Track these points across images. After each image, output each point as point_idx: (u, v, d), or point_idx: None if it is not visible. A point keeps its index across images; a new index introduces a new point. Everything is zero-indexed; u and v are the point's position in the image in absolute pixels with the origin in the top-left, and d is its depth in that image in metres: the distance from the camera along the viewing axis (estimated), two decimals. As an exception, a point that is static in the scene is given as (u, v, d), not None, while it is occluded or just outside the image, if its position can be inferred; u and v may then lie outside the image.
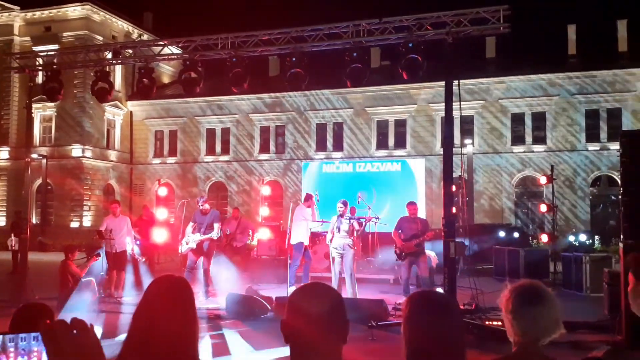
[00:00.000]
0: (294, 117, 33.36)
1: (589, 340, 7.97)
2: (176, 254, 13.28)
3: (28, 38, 34.04)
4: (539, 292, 2.16)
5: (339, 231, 10.67)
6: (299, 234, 12.06)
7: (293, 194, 30.92)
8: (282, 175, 33.11)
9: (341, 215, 10.74)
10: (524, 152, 29.63)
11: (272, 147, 33.97)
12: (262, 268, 14.81)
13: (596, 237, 24.42)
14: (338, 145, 32.63)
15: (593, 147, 28.66)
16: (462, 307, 9.34)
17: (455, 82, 9.40)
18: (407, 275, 10.67)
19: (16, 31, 34.59)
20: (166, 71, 37.78)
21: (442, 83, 9.70)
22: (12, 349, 1.22)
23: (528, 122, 29.80)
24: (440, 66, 9.68)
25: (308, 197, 12.56)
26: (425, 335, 1.83)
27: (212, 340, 8.05)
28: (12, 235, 17.00)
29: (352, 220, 10.81)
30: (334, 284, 10.49)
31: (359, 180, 17.12)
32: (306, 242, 12.27)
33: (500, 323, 8.66)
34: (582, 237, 21.84)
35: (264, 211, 19.37)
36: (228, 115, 34.49)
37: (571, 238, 21.10)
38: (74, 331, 1.23)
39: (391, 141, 31.74)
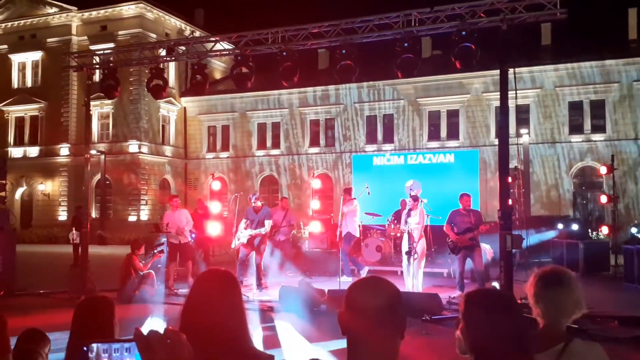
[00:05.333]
0: (343, 109, 33.28)
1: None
2: (230, 247, 13.47)
3: (85, 37, 35.14)
4: (558, 276, 2.28)
5: (406, 224, 10.52)
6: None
7: (343, 187, 30.86)
8: (332, 168, 33.11)
9: (411, 209, 10.56)
10: (583, 141, 28.66)
11: (322, 141, 34.01)
12: (313, 261, 14.81)
13: (660, 229, 23.40)
14: (388, 138, 32.36)
15: (656, 135, 27.48)
16: (519, 301, 9.09)
17: (510, 70, 9.15)
18: (461, 269, 10.49)
19: (74, 31, 35.75)
20: (218, 67, 38.31)
21: (497, 72, 9.45)
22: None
23: (586, 110, 28.76)
24: (494, 54, 9.44)
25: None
26: (488, 335, 1.81)
27: (265, 333, 8.12)
28: (74, 229, 17.60)
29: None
30: (406, 277, 10.44)
31: (411, 172, 16.90)
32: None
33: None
34: (645, 229, 20.94)
35: (315, 204, 19.39)
36: (278, 109, 34.71)
37: (633, 230, 20.26)
38: (168, 340, 1.23)
39: (443, 132, 31.26)
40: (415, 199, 10.66)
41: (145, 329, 1.22)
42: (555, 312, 2.21)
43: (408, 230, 10.41)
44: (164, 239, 11.90)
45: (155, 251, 11.26)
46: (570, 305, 2.22)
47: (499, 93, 9.26)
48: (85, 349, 1.20)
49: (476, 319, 1.86)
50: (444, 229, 10.67)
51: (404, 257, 10.63)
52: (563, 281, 2.24)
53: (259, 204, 11.91)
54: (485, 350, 1.81)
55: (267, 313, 9.61)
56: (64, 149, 35.65)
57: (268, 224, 11.67)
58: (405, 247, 10.50)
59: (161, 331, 1.23)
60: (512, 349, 1.80)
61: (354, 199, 13.48)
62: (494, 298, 1.94)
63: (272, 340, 7.71)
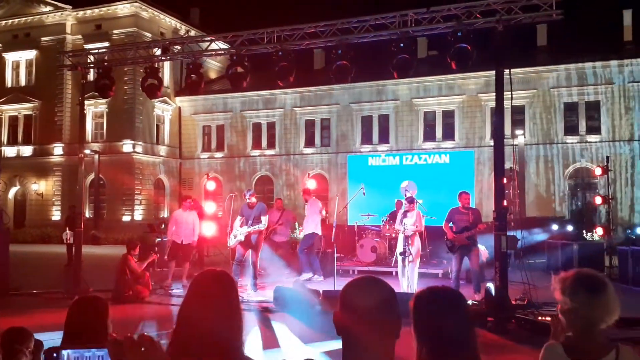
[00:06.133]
0: (339, 109, 33.26)
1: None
2: (225, 247, 13.44)
3: (80, 36, 35.00)
4: (601, 281, 2.24)
5: (401, 224, 10.53)
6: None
7: (339, 187, 30.85)
8: (328, 168, 33.08)
9: (407, 210, 10.58)
10: (578, 142, 28.72)
11: (317, 141, 33.97)
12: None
13: (655, 230, 23.47)
14: (384, 138, 32.34)
15: (651, 136, 27.56)
16: (514, 302, 9.13)
17: (506, 71, 9.15)
18: (457, 268, 10.49)
19: (68, 30, 35.59)
20: (213, 66, 38.22)
21: (492, 72, 9.46)
22: None
23: (581, 111, 28.81)
24: (489, 55, 9.44)
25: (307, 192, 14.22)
26: (434, 332, 1.83)
27: (261, 333, 8.10)
28: (67, 229, 17.50)
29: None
30: (401, 278, 10.46)
31: (406, 173, 16.90)
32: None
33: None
34: (640, 230, 21.02)
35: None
36: (274, 109, 34.66)
37: (628, 231, 20.35)
38: (142, 348, 1.19)
39: (439, 133, 31.27)
40: (411, 200, 10.66)
41: (119, 335, 1.19)
42: (598, 318, 2.20)
43: (403, 232, 10.42)
44: (158, 239, 11.87)
45: (151, 252, 11.22)
46: (614, 310, 2.21)
47: (494, 94, 9.27)
48: (55, 355, 1.18)
49: (422, 316, 1.88)
50: (443, 227, 10.67)
51: (398, 258, 10.63)
52: (605, 287, 2.22)
53: (253, 200, 11.88)
54: (430, 344, 1.83)
55: (262, 313, 9.59)
56: (58, 149, 35.49)
57: (265, 219, 11.64)
58: (399, 247, 10.50)
59: (135, 337, 1.19)
60: (457, 345, 1.82)
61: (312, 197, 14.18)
62: (439, 295, 1.94)
63: (267, 340, 7.69)
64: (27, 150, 36.31)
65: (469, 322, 1.90)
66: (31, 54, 36.21)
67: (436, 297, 1.93)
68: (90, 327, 2.66)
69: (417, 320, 1.89)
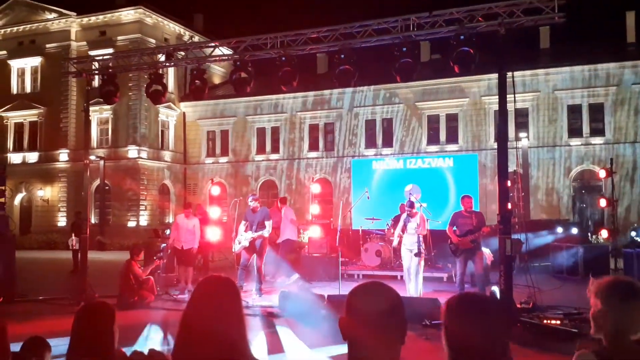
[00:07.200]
0: (342, 114, 33.29)
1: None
2: (230, 252, 13.46)
3: (84, 43, 35.16)
4: (637, 288, 2.22)
5: (406, 229, 10.51)
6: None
7: (343, 191, 30.86)
8: (332, 173, 33.10)
9: (410, 215, 10.57)
10: (582, 144, 28.66)
11: (321, 145, 34.01)
12: (313, 266, 14.76)
13: (660, 232, 23.31)
14: (388, 142, 32.36)
15: (655, 138, 27.48)
16: (519, 305, 9.11)
17: (509, 74, 9.15)
18: (462, 272, 10.47)
19: (73, 36, 35.75)
20: (217, 72, 38.33)
21: (495, 75, 9.46)
22: None
23: (585, 113, 28.77)
24: (492, 58, 9.45)
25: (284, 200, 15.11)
26: (467, 340, 1.80)
27: (266, 338, 8.10)
28: (73, 235, 17.57)
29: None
30: (407, 282, 10.44)
31: (410, 176, 16.89)
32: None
33: (558, 322, 8.39)
34: (645, 233, 20.89)
35: (314, 209, 19.36)
36: (277, 114, 34.73)
37: (633, 234, 20.23)
38: None
39: (442, 136, 31.27)
40: (411, 205, 10.65)
41: (129, 351, 1.20)
42: (632, 325, 2.16)
43: (398, 243, 10.46)
44: (162, 245, 11.91)
45: (155, 258, 11.25)
46: None
47: (497, 97, 9.28)
48: None
49: (453, 323, 1.86)
50: (447, 231, 10.65)
51: (405, 261, 10.54)
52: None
53: (256, 204, 11.89)
54: (462, 353, 1.80)
55: (267, 318, 9.59)
56: (63, 155, 35.61)
57: (269, 224, 11.65)
58: (412, 246, 10.37)
59: (145, 352, 1.20)
60: (489, 352, 1.79)
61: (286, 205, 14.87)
62: (469, 302, 1.92)
63: (273, 345, 7.69)
64: (32, 157, 36.45)
65: (501, 329, 1.85)
66: (36, 60, 36.38)
67: (466, 303, 1.90)
68: (97, 334, 2.66)
69: (446, 326, 1.87)
